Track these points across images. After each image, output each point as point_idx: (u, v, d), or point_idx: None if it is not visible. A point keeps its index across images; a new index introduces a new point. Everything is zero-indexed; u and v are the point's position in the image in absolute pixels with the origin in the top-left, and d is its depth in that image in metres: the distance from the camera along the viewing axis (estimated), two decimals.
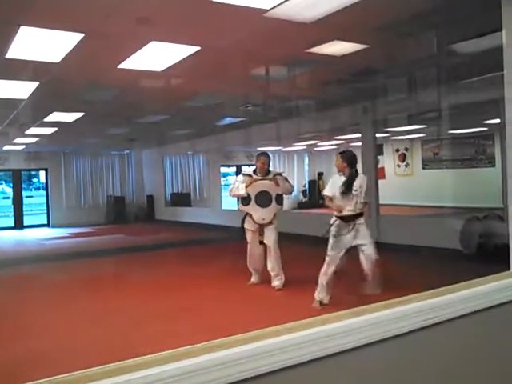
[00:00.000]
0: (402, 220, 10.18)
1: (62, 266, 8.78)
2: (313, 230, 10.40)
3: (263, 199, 6.05)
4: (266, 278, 6.26)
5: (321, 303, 5.07)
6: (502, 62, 2.34)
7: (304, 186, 21.42)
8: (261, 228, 6.10)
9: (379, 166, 13.78)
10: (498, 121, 11.04)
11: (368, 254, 4.91)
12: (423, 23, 5.00)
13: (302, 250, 8.65)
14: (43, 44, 5.10)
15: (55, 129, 11.12)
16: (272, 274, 6.07)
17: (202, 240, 11.96)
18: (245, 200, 6.12)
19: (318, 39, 5.35)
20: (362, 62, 6.35)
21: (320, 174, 21.60)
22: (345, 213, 4.99)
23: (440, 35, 5.40)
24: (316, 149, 20.66)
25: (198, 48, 5.50)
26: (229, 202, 19.71)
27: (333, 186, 5.15)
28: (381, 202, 10.16)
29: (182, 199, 17.81)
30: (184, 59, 5.85)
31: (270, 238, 6.08)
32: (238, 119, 11.46)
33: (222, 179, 20.46)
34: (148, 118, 10.65)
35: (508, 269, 2.22)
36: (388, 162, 18.83)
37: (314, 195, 21.06)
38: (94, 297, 6.02)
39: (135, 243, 11.97)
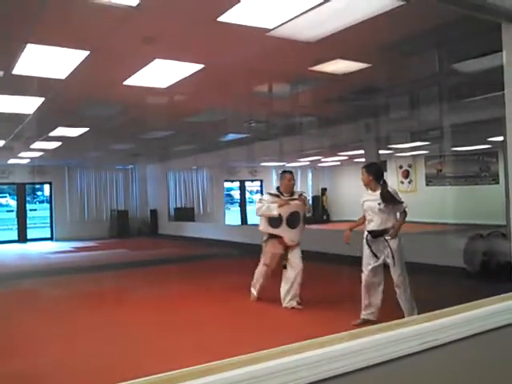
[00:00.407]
0: (408, 238, 10.16)
1: (65, 280, 8.76)
2: (318, 247, 10.43)
3: (294, 220, 5.84)
4: (264, 295, 6.21)
5: (364, 320, 4.89)
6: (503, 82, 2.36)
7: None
8: (286, 250, 5.91)
9: None
10: (501, 138, 11.06)
11: (394, 279, 4.79)
12: (425, 43, 5.05)
13: (314, 267, 8.58)
14: (49, 61, 5.17)
15: (60, 143, 11.20)
16: (291, 293, 5.77)
17: (205, 255, 11.94)
18: (275, 221, 5.82)
19: (320, 58, 5.40)
20: (364, 80, 6.40)
21: (323, 190, 21.61)
22: (371, 228, 4.88)
23: (442, 54, 5.45)
24: (319, 164, 20.70)
25: (202, 66, 5.56)
26: (232, 218, 19.76)
27: (362, 205, 5.01)
28: None
29: (185, 214, 17.83)
30: (188, 76, 5.91)
31: (296, 256, 5.84)
32: (242, 135, 11.51)
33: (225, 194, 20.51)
34: (152, 134, 10.71)
35: (511, 289, 2.21)
36: (391, 178, 18.81)
37: (317, 211, 21.04)
38: (96, 312, 6.01)
39: (138, 258, 11.95)
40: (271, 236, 5.95)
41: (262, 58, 5.41)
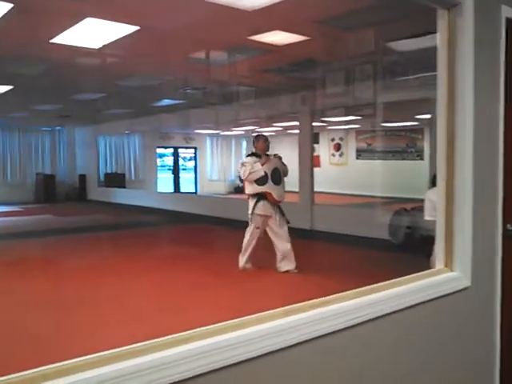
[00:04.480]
0: (337, 210, 10.49)
1: None
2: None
3: (277, 177, 6.04)
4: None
5: None
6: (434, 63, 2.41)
7: None
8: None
9: (314, 154, 14.07)
10: (428, 116, 11.56)
11: None
12: (363, 20, 5.11)
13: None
14: None
15: None
16: (285, 256, 6.09)
17: (136, 223, 11.73)
18: (261, 180, 5.97)
19: (259, 28, 5.34)
20: (303, 53, 6.41)
21: None
22: None
23: (378, 32, 5.54)
24: (254, 134, 20.71)
25: (137, 28, 5.33)
26: (165, 184, 19.45)
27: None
28: (315, 189, 10.40)
29: (116, 180, 17.36)
30: (122, 38, 5.65)
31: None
32: (177, 101, 11.27)
33: (159, 160, 20.07)
34: (83, 96, 10.23)
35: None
36: (323, 150, 19.20)
37: None
38: (15, 283, 5.75)
39: (64, 225, 11.54)
40: (259, 198, 6.00)
41: (199, 24, 5.25)
